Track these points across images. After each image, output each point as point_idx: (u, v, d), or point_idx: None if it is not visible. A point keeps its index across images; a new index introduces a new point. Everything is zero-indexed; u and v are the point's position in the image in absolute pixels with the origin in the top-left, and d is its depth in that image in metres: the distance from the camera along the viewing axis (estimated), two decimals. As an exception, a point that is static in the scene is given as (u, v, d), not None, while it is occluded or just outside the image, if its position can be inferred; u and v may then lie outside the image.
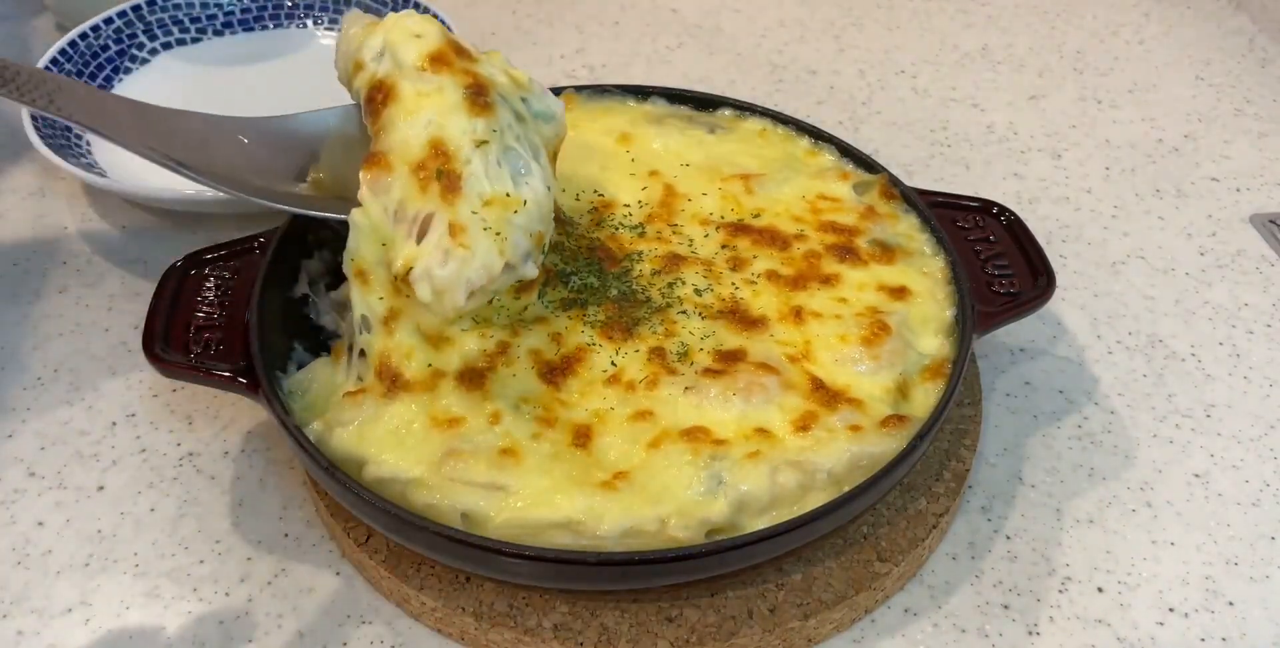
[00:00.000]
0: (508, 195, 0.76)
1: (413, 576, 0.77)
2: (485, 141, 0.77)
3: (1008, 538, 0.85)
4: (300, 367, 0.82)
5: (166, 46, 1.25)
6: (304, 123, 0.88)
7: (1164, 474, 0.90)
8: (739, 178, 0.94)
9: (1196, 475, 0.90)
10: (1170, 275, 1.08)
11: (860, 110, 1.27)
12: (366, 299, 0.78)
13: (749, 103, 1.02)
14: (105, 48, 1.20)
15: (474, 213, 0.75)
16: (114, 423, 0.91)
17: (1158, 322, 1.03)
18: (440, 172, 0.75)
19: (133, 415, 0.91)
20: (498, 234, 0.75)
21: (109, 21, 1.21)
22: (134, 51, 1.23)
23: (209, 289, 0.85)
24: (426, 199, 0.76)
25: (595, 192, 0.93)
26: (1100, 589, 0.82)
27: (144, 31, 1.24)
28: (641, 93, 1.02)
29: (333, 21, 1.29)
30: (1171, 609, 0.81)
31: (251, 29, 1.28)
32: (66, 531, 0.83)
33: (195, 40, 1.26)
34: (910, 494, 0.83)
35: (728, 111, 1.02)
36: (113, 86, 1.18)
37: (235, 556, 0.82)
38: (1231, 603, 0.81)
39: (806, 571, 0.78)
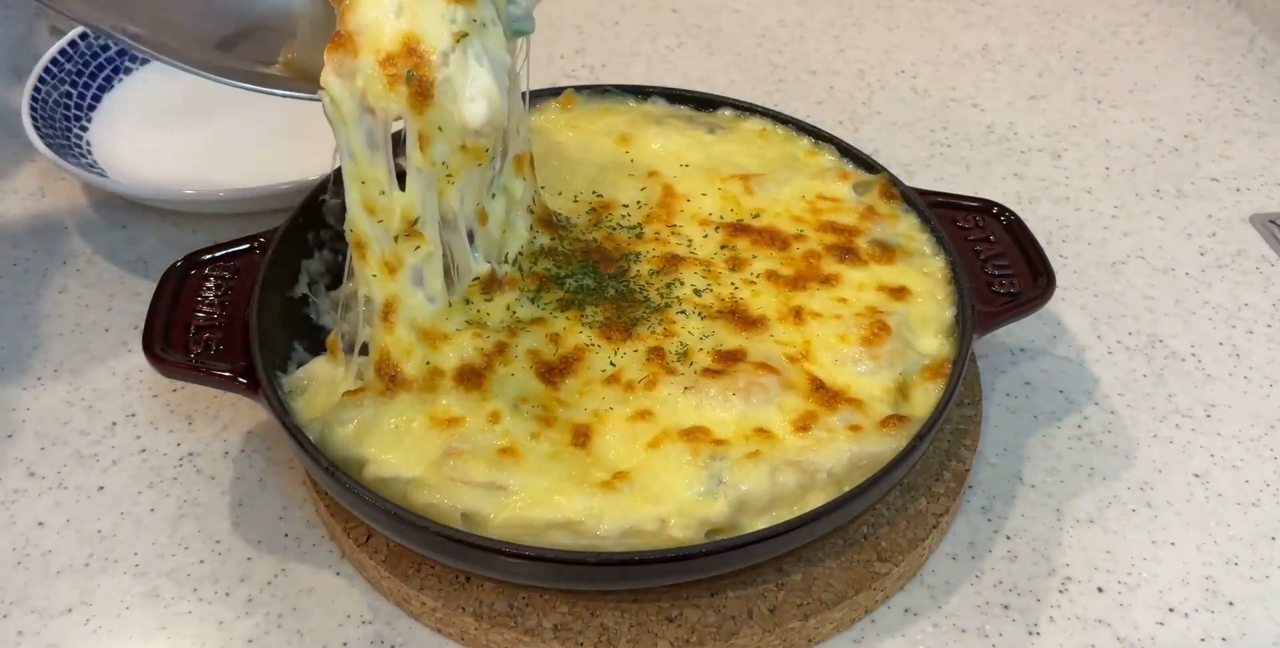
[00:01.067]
0: (476, 133, 0.74)
1: (413, 576, 0.77)
2: (465, 34, 0.73)
3: (1008, 538, 0.85)
4: (300, 367, 0.82)
5: None
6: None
7: (1164, 474, 0.90)
8: (738, 178, 0.94)
9: (1196, 475, 0.90)
10: (1170, 275, 1.08)
11: (860, 110, 1.27)
12: (365, 274, 0.78)
13: (749, 103, 1.02)
14: (105, 47, 1.19)
15: (440, 129, 0.73)
16: (114, 423, 0.91)
17: (1158, 322, 1.03)
18: (411, 76, 0.72)
19: (133, 415, 0.91)
20: (448, 176, 0.75)
21: None
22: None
23: (209, 289, 0.85)
24: (393, 98, 0.72)
25: (594, 192, 0.93)
26: (1100, 589, 0.82)
27: None
28: (641, 93, 1.02)
29: None
30: (1171, 609, 0.81)
31: None
32: (66, 531, 0.83)
33: None
34: (910, 494, 0.83)
35: (728, 112, 1.02)
36: (113, 86, 1.18)
37: (235, 556, 0.82)
38: (1231, 603, 0.81)
39: (806, 571, 0.78)
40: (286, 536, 0.83)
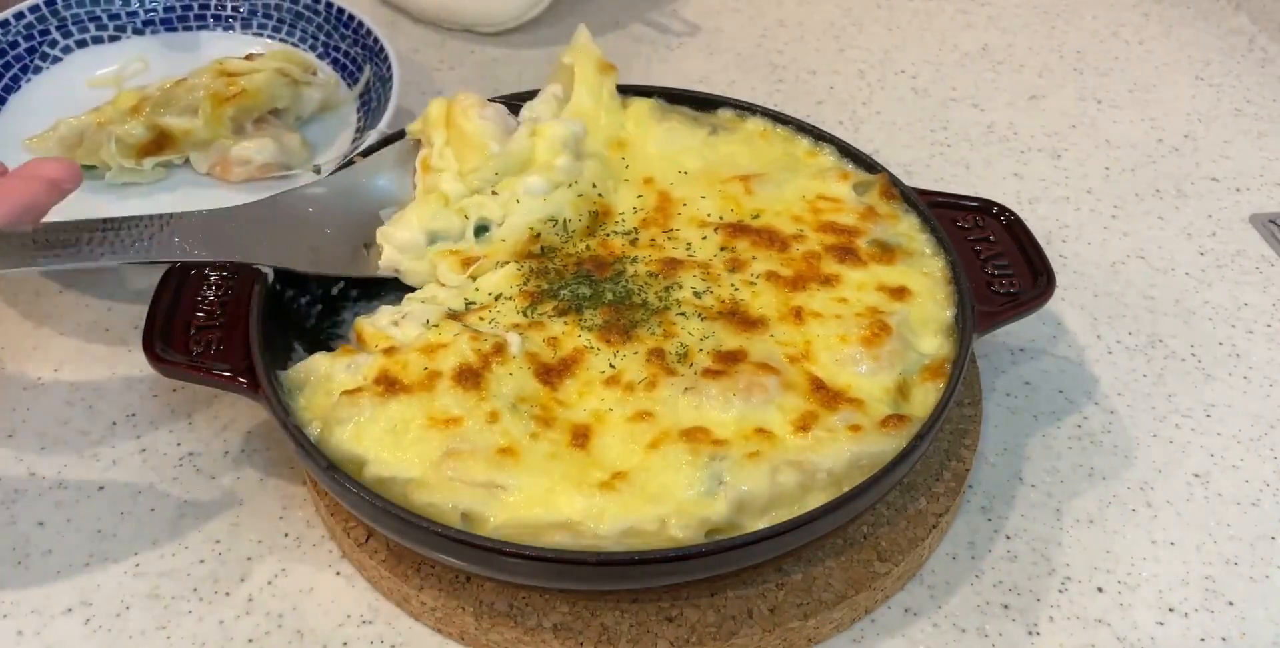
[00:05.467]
0: None
1: (412, 576, 0.77)
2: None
3: (1007, 538, 0.85)
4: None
5: (81, 45, 1.19)
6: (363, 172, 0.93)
7: (1164, 474, 0.90)
8: (738, 179, 0.94)
9: (1196, 475, 0.90)
10: (1170, 275, 1.08)
11: (860, 110, 1.27)
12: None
13: (749, 103, 1.01)
14: (14, 43, 1.15)
15: None
16: (114, 423, 0.91)
17: (1157, 322, 1.03)
18: None
19: (133, 415, 0.91)
20: None
21: (19, 16, 1.16)
22: (45, 49, 1.17)
23: (209, 289, 0.85)
24: None
25: (598, 193, 0.93)
26: (1100, 589, 0.82)
27: (57, 27, 1.17)
28: (641, 93, 1.02)
29: (261, 27, 1.24)
30: (1171, 609, 0.81)
31: (174, 29, 1.22)
32: (67, 530, 0.83)
33: (113, 39, 1.20)
34: (910, 494, 0.83)
35: (728, 112, 1.01)
36: (20, 87, 1.15)
37: (235, 555, 0.82)
38: (1231, 603, 0.81)
39: (806, 571, 0.78)
40: (286, 535, 0.83)
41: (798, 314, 0.83)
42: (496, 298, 0.85)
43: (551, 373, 0.79)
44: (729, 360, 0.79)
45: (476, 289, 0.86)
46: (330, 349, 0.83)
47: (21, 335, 0.97)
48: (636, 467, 0.73)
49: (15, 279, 1.02)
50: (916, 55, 1.37)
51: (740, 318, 0.83)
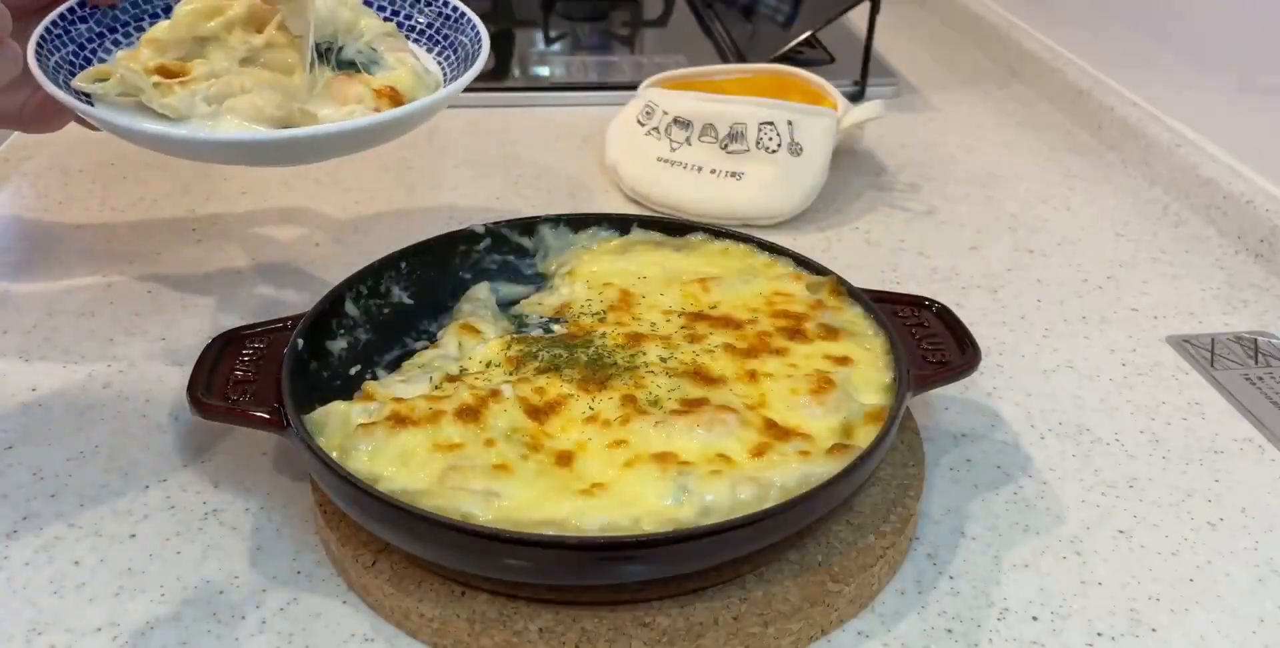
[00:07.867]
0: None
1: (414, 590, 0.86)
2: None
3: (951, 578, 0.94)
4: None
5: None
6: None
7: (1092, 531, 1.00)
8: (697, 281, 1.09)
9: (1121, 531, 1.00)
10: (1095, 381, 1.20)
11: (820, 256, 1.43)
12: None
13: (718, 227, 1.18)
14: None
15: None
16: (147, 486, 1.01)
17: (1085, 416, 1.15)
18: None
19: (164, 481, 1.02)
20: None
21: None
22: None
23: (245, 357, 0.97)
24: None
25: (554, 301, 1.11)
26: (1035, 618, 0.90)
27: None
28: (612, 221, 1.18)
29: None
30: (1100, 634, 0.89)
31: None
32: (100, 569, 0.92)
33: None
34: (860, 532, 0.93)
35: (698, 236, 1.17)
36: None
37: (252, 588, 0.91)
38: (1155, 630, 0.90)
39: (767, 589, 0.87)
40: (299, 573, 0.92)
41: (752, 375, 0.96)
42: (487, 366, 0.98)
43: (539, 413, 0.91)
44: (694, 404, 0.92)
45: (470, 358, 0.99)
46: (351, 396, 0.95)
47: (66, 419, 1.09)
48: (613, 479, 0.84)
49: (65, 377, 1.14)
50: (869, 217, 1.54)
51: (702, 376, 0.96)
